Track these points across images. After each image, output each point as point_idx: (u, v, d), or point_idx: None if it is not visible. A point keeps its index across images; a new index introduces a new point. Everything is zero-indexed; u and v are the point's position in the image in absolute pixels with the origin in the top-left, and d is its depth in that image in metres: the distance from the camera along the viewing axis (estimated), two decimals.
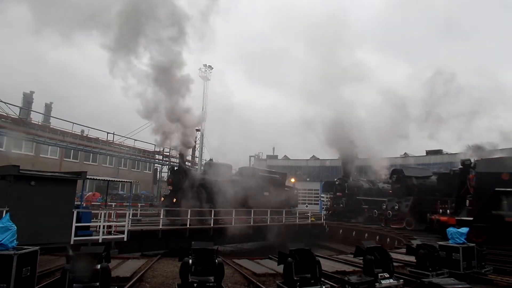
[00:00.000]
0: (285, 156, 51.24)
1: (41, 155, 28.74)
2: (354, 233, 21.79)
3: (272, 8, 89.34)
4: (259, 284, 7.19)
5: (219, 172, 20.47)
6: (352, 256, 9.34)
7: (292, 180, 34.33)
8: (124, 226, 12.66)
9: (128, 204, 20.16)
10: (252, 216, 19.45)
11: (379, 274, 6.49)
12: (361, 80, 37.68)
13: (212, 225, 17.35)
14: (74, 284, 4.91)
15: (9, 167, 9.69)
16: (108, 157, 33.21)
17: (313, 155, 48.72)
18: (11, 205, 8.63)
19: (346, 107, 28.24)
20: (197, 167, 38.07)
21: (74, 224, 10.43)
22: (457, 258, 7.88)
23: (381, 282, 6.36)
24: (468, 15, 79.53)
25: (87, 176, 11.62)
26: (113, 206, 22.73)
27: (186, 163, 26.65)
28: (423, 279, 6.05)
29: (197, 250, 5.96)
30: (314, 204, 42.56)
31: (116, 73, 17.24)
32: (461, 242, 8.19)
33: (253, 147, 45.06)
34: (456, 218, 14.95)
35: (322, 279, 6.42)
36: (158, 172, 35.83)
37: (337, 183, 28.45)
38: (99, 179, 14.24)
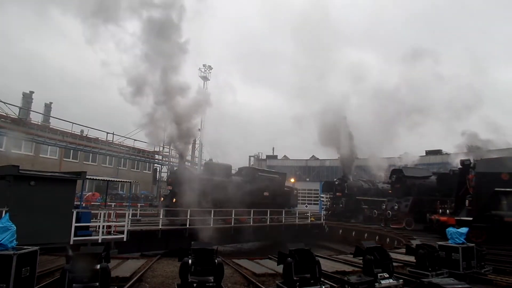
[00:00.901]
0: (284, 156, 51.25)
1: (40, 155, 28.70)
2: (353, 233, 21.81)
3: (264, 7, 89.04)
4: (259, 284, 7.19)
5: (218, 172, 20.46)
6: (352, 256, 9.33)
7: (292, 180, 34.36)
8: (123, 226, 12.67)
9: (127, 204, 20.15)
10: (251, 216, 19.46)
11: (379, 274, 6.49)
12: (358, 79, 37.99)
13: (212, 225, 17.35)
14: (74, 284, 4.90)
15: (8, 167, 9.69)
16: (108, 157, 33.19)
17: (313, 155, 48.72)
18: (11, 205, 8.63)
19: (337, 101, 28.54)
20: (196, 167, 38.04)
21: (74, 224, 10.43)
22: (457, 258, 7.88)
23: (380, 282, 6.37)
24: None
25: (87, 176, 11.63)
26: (113, 206, 22.75)
27: (186, 163, 26.62)
28: (422, 279, 6.05)
29: (196, 250, 5.95)
30: (314, 204, 42.55)
31: (94, 41, 15.80)
32: (461, 242, 8.19)
33: (253, 147, 45.13)
34: (456, 218, 14.97)
35: (322, 279, 6.42)
36: (157, 172, 35.83)
37: (336, 183, 28.49)
38: (98, 179, 14.23)
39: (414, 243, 11.93)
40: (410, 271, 8.12)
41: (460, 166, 16.46)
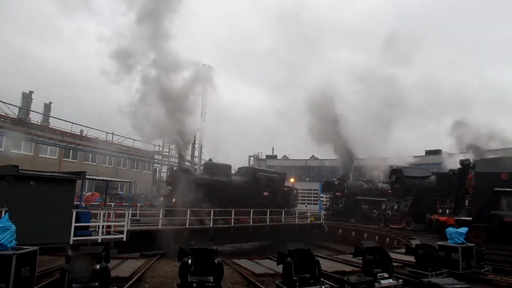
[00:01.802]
0: (284, 156, 51.24)
1: (40, 155, 28.67)
2: (353, 233, 21.80)
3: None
4: (259, 284, 7.19)
5: (218, 172, 20.46)
6: (352, 256, 9.32)
7: (292, 180, 34.34)
8: (123, 226, 12.65)
9: (127, 204, 20.13)
10: (251, 216, 19.45)
11: (379, 274, 6.49)
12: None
13: (211, 225, 17.35)
14: (74, 284, 4.90)
15: (8, 167, 9.67)
16: (107, 157, 33.17)
17: (313, 155, 48.69)
18: (10, 205, 8.61)
19: (323, 88, 28.66)
20: (196, 167, 38.02)
21: (73, 224, 10.42)
22: (456, 258, 7.89)
23: (380, 282, 6.37)
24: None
25: (86, 176, 11.62)
26: (112, 206, 22.75)
27: (186, 162, 26.62)
28: (422, 279, 6.05)
29: (196, 250, 5.95)
30: (314, 204, 42.52)
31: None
32: (460, 242, 8.20)
33: (252, 147, 45.09)
34: (455, 218, 14.99)
35: (322, 279, 6.42)
36: (157, 172, 35.82)
37: (336, 183, 28.48)
38: (98, 179, 14.21)
39: (414, 243, 11.91)
40: (409, 271, 8.12)
41: (459, 166, 16.49)
